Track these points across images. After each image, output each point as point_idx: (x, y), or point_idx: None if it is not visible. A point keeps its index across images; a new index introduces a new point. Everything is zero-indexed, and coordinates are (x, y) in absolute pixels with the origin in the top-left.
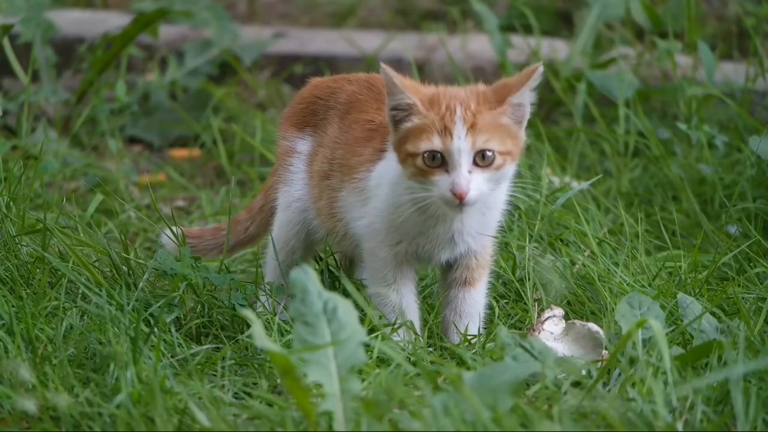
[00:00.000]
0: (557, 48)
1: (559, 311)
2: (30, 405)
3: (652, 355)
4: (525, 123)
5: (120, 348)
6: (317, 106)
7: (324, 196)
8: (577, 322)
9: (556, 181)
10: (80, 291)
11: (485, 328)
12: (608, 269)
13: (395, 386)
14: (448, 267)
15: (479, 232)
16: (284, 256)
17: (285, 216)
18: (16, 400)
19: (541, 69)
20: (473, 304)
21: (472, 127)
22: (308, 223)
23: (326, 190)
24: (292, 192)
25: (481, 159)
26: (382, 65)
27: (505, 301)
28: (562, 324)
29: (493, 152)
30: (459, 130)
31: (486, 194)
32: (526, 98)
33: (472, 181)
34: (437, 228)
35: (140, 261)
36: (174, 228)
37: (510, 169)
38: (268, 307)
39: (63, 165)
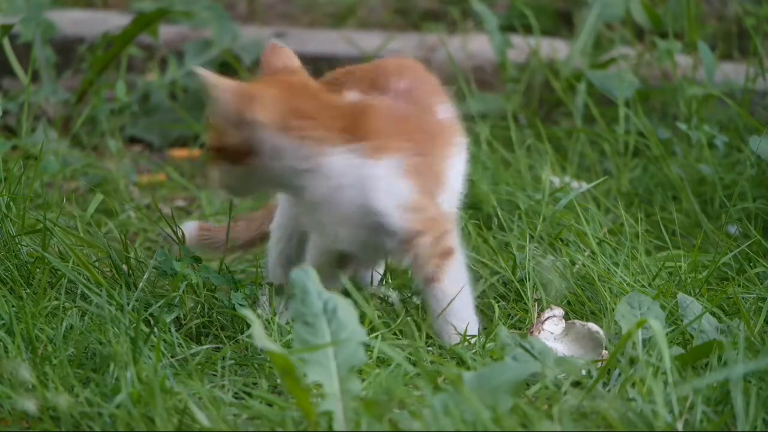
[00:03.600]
0: (557, 48)
1: (559, 311)
2: (30, 405)
3: (652, 355)
4: None
5: (120, 348)
6: None
7: None
8: (577, 322)
9: (557, 181)
10: (80, 291)
11: (485, 328)
12: (608, 269)
13: (395, 386)
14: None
15: None
16: (279, 256)
17: (279, 219)
18: (16, 400)
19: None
20: (445, 300)
21: None
22: (302, 226)
23: None
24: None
25: None
26: (193, 69)
27: (506, 301)
28: (562, 324)
29: None
30: None
31: None
32: None
33: None
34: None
35: (140, 261)
36: (176, 228)
37: None
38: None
39: (63, 165)
